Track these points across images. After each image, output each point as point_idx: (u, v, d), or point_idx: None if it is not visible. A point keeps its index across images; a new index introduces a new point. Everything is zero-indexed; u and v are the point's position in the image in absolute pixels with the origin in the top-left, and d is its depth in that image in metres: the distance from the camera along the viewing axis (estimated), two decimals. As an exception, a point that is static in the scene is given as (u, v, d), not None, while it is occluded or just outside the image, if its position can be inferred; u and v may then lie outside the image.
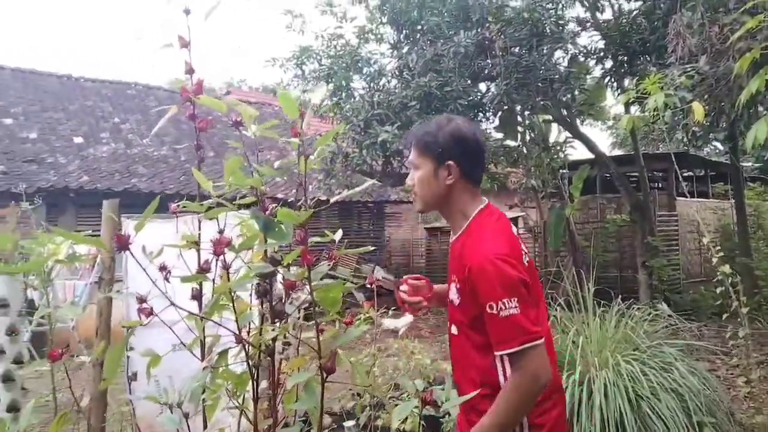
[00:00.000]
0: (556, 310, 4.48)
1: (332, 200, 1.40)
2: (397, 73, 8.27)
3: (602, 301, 4.51)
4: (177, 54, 1.50)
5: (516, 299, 1.51)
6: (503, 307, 1.51)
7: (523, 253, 1.66)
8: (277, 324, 1.20)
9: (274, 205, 1.19)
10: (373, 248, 2.09)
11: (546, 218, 11.05)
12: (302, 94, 10.32)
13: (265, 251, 1.16)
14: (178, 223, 1.68)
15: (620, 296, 4.68)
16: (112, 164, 11.21)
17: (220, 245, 1.24)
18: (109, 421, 2.89)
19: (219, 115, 1.62)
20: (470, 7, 7.26)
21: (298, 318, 1.29)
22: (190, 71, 1.51)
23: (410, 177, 1.73)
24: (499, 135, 9.27)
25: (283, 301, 1.17)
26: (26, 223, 3.18)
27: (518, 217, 13.94)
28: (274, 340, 1.22)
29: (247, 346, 1.35)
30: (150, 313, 1.57)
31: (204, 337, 1.52)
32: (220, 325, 1.29)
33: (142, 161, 11.70)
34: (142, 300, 1.60)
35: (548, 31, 6.91)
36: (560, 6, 7.31)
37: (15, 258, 3.04)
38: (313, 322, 1.22)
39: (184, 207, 1.52)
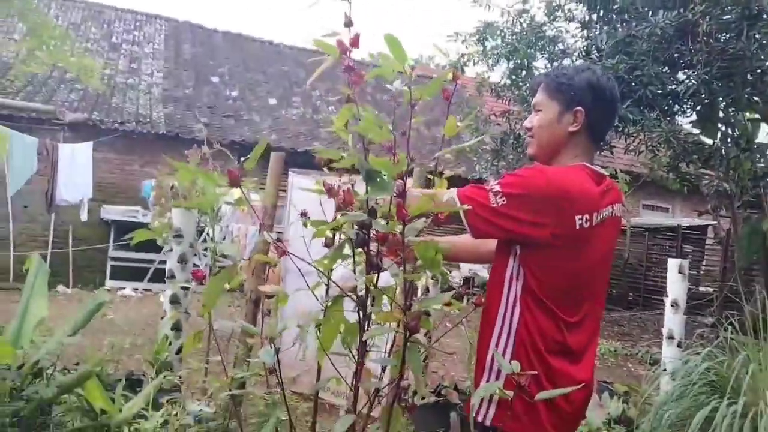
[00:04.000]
0: (726, 330, 3.98)
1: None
2: (583, 53, 7.77)
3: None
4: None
5: (512, 201, 1.36)
6: (494, 189, 1.38)
7: (597, 209, 1.45)
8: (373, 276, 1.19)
9: (372, 156, 1.18)
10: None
11: (739, 230, 9.77)
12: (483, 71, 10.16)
13: (366, 202, 1.15)
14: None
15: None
16: (299, 126, 12.06)
17: (332, 193, 1.26)
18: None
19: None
20: (674, -16, 6.55)
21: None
22: (348, 23, 1.52)
23: (530, 119, 1.61)
24: (695, 131, 8.35)
25: (378, 253, 1.17)
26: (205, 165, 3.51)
27: (708, 225, 12.58)
28: (367, 291, 1.22)
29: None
30: (284, 252, 1.68)
31: (329, 283, 1.56)
32: (324, 273, 1.32)
33: (326, 126, 12.39)
34: (278, 241, 1.71)
35: (766, 15, 6.00)
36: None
37: (192, 196, 3.41)
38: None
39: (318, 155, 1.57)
